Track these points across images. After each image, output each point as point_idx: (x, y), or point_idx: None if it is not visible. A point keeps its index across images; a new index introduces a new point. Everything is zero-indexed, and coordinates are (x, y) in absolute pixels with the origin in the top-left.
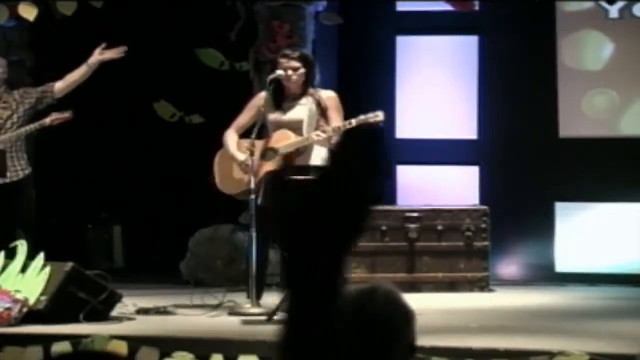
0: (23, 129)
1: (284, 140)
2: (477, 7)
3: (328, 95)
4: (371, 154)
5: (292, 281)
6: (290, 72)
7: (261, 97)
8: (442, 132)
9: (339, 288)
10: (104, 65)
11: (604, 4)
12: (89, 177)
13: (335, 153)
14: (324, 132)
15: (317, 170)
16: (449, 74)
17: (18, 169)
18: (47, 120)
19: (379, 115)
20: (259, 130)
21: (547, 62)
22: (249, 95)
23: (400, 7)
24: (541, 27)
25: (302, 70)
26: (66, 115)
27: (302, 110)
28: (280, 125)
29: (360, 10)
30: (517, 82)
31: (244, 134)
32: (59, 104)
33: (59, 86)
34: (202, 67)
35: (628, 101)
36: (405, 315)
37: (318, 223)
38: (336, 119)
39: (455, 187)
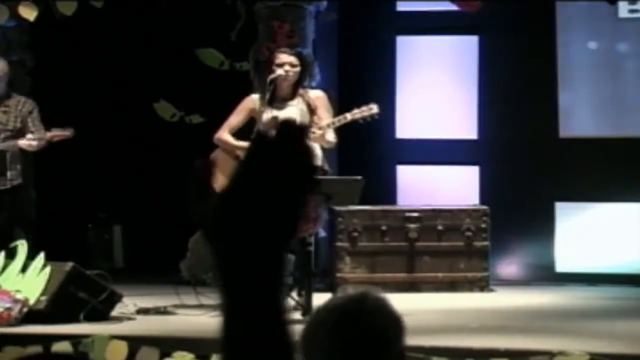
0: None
1: None
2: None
3: (317, 95)
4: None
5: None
6: (287, 67)
7: (252, 99)
8: (442, 132)
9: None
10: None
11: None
12: (89, 177)
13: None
14: (319, 128)
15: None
16: (449, 74)
17: (7, 178)
18: (48, 136)
19: (373, 108)
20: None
21: (547, 62)
22: (249, 95)
23: (400, 7)
24: (541, 27)
25: (298, 69)
26: (67, 133)
27: (294, 111)
28: (274, 126)
29: (360, 10)
30: (517, 82)
31: (233, 137)
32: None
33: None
34: (202, 67)
35: (628, 101)
36: (397, 325)
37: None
38: (325, 118)
39: (455, 187)
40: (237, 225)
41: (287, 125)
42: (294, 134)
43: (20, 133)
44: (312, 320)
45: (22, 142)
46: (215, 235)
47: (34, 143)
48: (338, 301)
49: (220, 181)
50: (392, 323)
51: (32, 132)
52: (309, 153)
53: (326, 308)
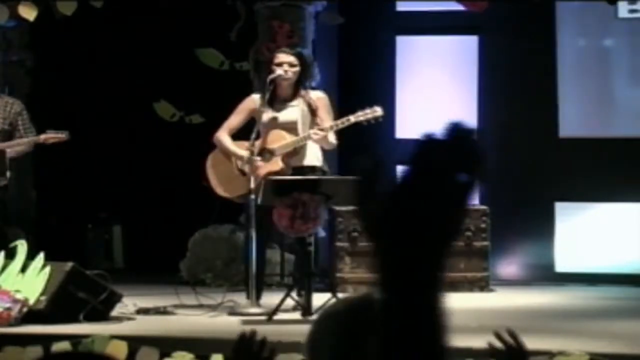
0: (14, 142)
1: (279, 141)
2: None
3: (318, 96)
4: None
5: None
6: (286, 66)
7: (252, 99)
8: None
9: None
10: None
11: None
12: (88, 177)
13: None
14: (321, 130)
15: (313, 171)
16: (449, 74)
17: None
18: (41, 138)
19: (377, 111)
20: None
21: (547, 62)
22: (249, 95)
23: (400, 7)
24: (541, 27)
25: (297, 69)
26: (61, 135)
27: (295, 112)
28: (274, 126)
29: (360, 10)
30: (517, 82)
31: (234, 137)
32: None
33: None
34: (202, 67)
35: (628, 101)
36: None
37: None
38: (327, 119)
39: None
40: (407, 224)
41: (458, 125)
42: (465, 134)
43: (8, 135)
44: (317, 322)
45: (10, 151)
46: (384, 235)
47: (19, 149)
48: (343, 303)
49: (216, 180)
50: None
51: (22, 135)
52: (479, 154)
53: (332, 309)
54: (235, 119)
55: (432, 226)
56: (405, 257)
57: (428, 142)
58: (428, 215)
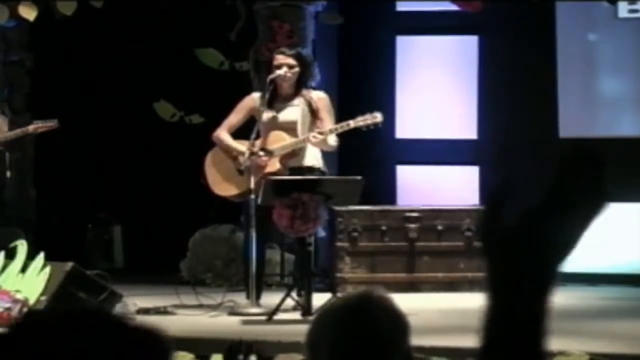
0: (2, 135)
1: (278, 142)
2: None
3: (319, 97)
4: (594, 179)
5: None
6: (285, 69)
7: (253, 98)
8: (442, 132)
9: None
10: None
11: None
12: (88, 177)
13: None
14: (321, 133)
15: (312, 171)
16: (449, 74)
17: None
18: (30, 128)
19: (377, 117)
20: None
21: (547, 62)
22: (249, 95)
23: (400, 7)
24: (541, 27)
25: (296, 69)
26: (51, 124)
27: (295, 112)
28: (274, 126)
29: (360, 10)
30: (517, 82)
31: (233, 136)
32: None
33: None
34: (202, 67)
35: (628, 101)
36: (402, 325)
37: (531, 253)
38: (327, 120)
39: (455, 187)
40: (533, 242)
41: (591, 148)
42: (597, 157)
43: None
44: (317, 320)
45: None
46: (507, 253)
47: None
48: (343, 300)
49: (215, 179)
50: (397, 322)
51: None
52: (605, 179)
53: (331, 307)
54: (235, 117)
55: (557, 249)
56: (524, 274)
57: (570, 163)
58: (557, 239)
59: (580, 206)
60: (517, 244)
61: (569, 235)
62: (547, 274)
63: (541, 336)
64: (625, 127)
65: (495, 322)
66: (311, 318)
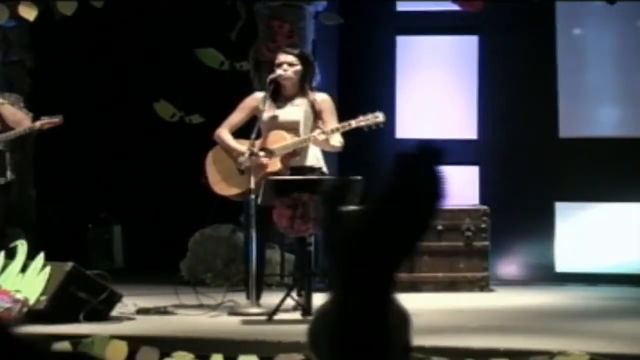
0: (12, 132)
1: (279, 141)
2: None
3: (322, 98)
4: (430, 178)
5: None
6: (285, 66)
7: (255, 97)
8: (442, 132)
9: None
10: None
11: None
12: (89, 177)
13: (389, 180)
14: (323, 133)
15: (313, 171)
16: (449, 74)
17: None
18: (37, 125)
19: (378, 117)
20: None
21: (547, 62)
22: (250, 95)
23: (400, 7)
24: (541, 27)
25: (298, 68)
26: (56, 120)
27: (297, 111)
28: (275, 125)
29: (360, 10)
30: (517, 82)
31: (234, 134)
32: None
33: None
34: (202, 67)
35: (628, 101)
36: (400, 316)
37: (370, 250)
38: (331, 122)
39: (455, 187)
40: (369, 240)
41: (428, 147)
42: (435, 157)
43: None
44: (317, 316)
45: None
46: (346, 249)
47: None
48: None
49: (215, 178)
50: (396, 314)
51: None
52: (444, 178)
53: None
54: (237, 117)
55: (399, 243)
56: (369, 266)
57: (401, 163)
58: (397, 232)
59: (417, 207)
60: (356, 243)
61: (407, 236)
62: (387, 274)
63: (383, 334)
64: (625, 127)
65: (338, 320)
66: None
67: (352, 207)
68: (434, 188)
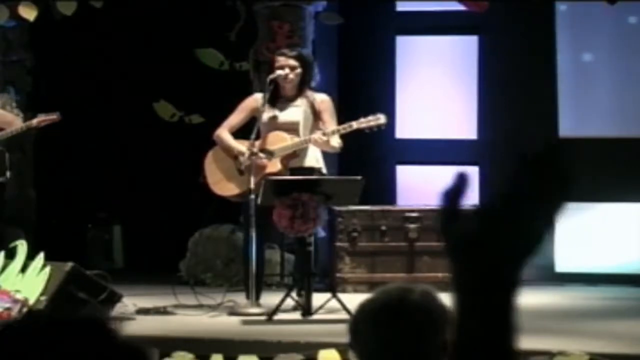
0: (9, 130)
1: (279, 142)
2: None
3: (322, 99)
4: (560, 176)
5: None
6: (287, 70)
7: (255, 98)
8: (442, 132)
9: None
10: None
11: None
12: (89, 177)
13: (517, 178)
14: (324, 134)
15: (312, 172)
16: (449, 74)
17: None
18: (34, 122)
19: (380, 119)
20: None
21: (547, 62)
22: (249, 95)
23: (400, 7)
24: (541, 27)
25: (298, 70)
26: (54, 117)
27: (297, 112)
28: (275, 126)
29: (360, 10)
30: (517, 82)
31: (234, 135)
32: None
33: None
34: (202, 67)
35: (628, 101)
36: (443, 310)
37: (500, 252)
38: (330, 123)
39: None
40: (493, 242)
41: (554, 146)
42: (559, 156)
43: None
44: (357, 313)
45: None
46: (470, 251)
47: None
48: (382, 294)
49: (215, 178)
50: (434, 317)
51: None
52: (570, 176)
53: (371, 301)
54: (237, 117)
55: (520, 248)
56: (489, 267)
57: (527, 162)
58: (519, 239)
59: (542, 204)
60: (479, 245)
61: (532, 234)
62: (512, 274)
63: (510, 335)
64: (625, 127)
65: (464, 324)
66: (311, 318)
67: (468, 207)
68: (563, 186)
